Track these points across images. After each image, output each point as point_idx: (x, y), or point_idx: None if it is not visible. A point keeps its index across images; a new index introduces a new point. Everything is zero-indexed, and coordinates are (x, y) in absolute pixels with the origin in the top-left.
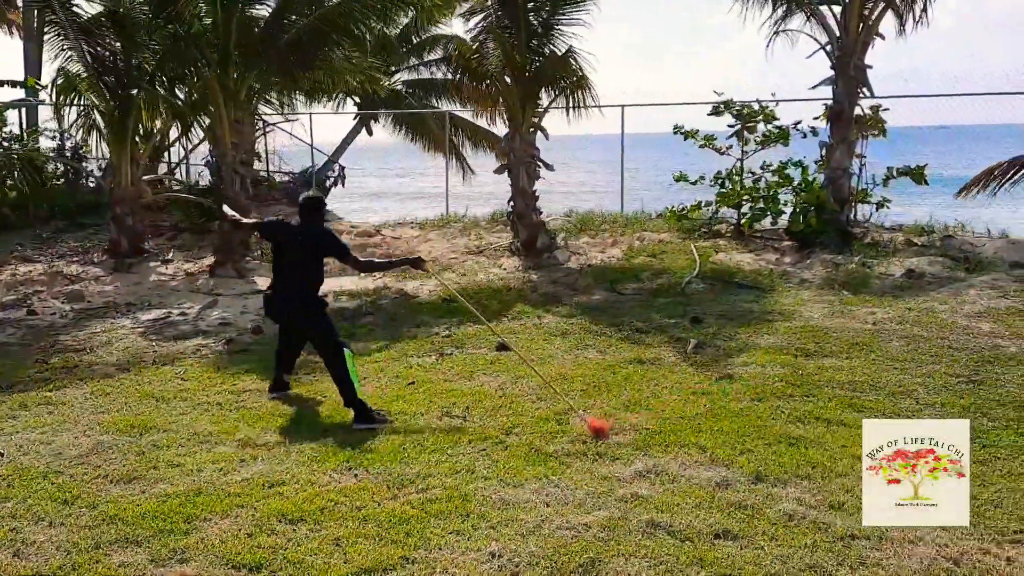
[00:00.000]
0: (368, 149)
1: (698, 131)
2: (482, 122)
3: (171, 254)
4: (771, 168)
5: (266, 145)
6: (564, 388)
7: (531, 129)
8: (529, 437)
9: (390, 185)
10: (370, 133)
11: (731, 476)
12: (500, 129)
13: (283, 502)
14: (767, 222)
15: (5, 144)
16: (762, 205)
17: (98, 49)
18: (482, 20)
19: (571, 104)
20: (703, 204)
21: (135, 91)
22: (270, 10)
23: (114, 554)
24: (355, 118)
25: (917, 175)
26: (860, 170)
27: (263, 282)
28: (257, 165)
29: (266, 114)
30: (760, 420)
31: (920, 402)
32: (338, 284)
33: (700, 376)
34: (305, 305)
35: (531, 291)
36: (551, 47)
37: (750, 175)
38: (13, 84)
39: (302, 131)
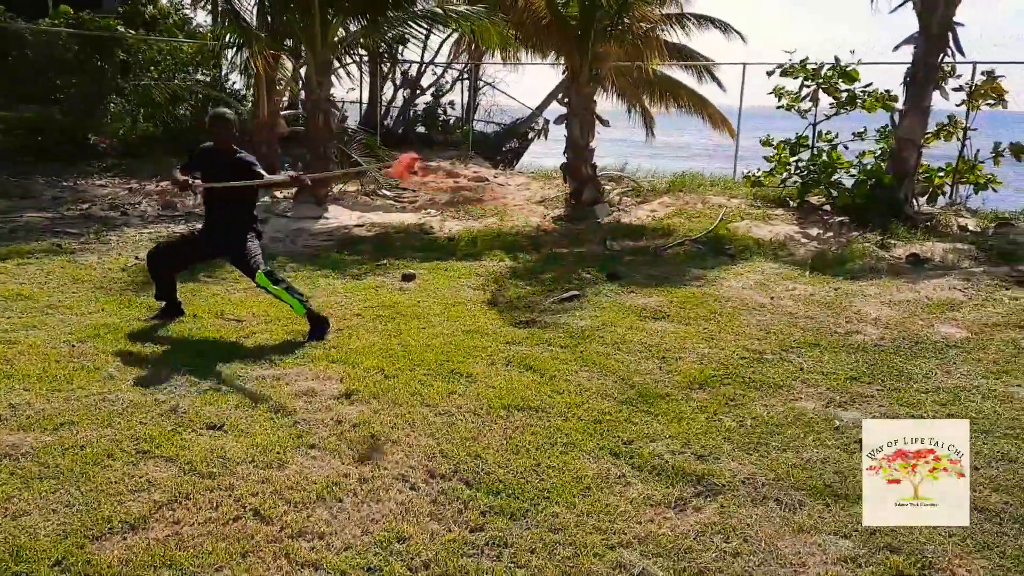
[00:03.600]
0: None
1: (789, 90)
2: (683, 77)
3: None
4: (862, 135)
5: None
6: (373, 314)
7: (589, 82)
8: (246, 339)
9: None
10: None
11: (324, 390)
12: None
13: None
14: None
15: (190, 80)
16: (816, 175)
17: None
18: None
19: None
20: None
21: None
22: None
23: None
24: (563, 71)
25: None
26: (963, 145)
27: (336, 212)
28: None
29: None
30: (477, 357)
31: (664, 367)
32: (369, 219)
33: (509, 322)
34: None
35: (529, 239)
36: None
37: (827, 144)
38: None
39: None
